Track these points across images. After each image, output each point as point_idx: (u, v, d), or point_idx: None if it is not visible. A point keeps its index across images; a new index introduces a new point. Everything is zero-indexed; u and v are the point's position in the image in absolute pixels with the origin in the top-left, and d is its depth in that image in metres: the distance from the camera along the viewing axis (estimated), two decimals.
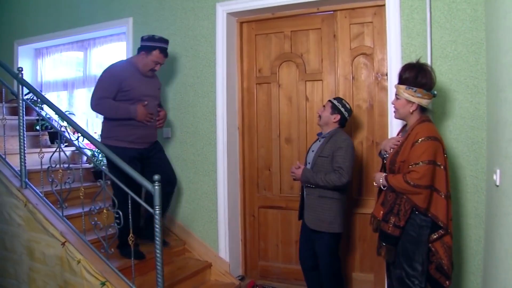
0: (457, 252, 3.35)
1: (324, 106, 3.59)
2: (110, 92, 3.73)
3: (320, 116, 3.57)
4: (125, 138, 3.76)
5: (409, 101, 2.80)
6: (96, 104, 3.75)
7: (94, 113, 5.69)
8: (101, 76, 3.82)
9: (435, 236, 2.64)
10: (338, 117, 3.48)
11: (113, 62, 3.93)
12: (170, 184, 4.05)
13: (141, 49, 3.86)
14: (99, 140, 3.80)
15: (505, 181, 2.32)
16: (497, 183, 2.51)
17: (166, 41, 3.92)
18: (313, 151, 3.55)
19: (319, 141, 3.55)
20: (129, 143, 3.77)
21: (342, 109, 3.49)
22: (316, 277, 3.64)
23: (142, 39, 3.87)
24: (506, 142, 2.29)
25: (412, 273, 2.65)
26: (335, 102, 3.52)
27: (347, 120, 3.56)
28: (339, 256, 3.61)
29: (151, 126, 3.92)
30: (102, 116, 3.94)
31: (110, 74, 3.80)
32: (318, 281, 3.64)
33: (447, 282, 2.68)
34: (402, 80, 2.84)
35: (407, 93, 2.78)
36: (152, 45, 3.82)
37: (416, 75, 2.77)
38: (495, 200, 2.69)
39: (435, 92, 2.83)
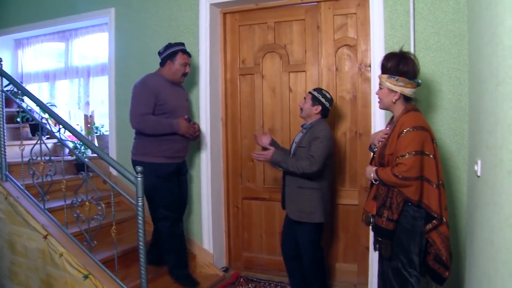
0: None
1: (305, 98, 3.58)
2: (149, 107, 3.65)
3: (301, 109, 3.57)
4: (162, 153, 3.70)
5: (391, 90, 2.76)
6: (139, 122, 3.62)
7: (76, 104, 5.67)
8: (136, 91, 3.71)
9: (430, 226, 2.61)
10: (319, 108, 3.48)
11: (142, 77, 3.81)
12: (183, 208, 4.05)
13: (164, 60, 3.81)
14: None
15: (486, 172, 2.34)
16: (478, 174, 2.53)
17: (182, 43, 3.90)
18: (295, 142, 3.56)
19: (302, 132, 3.55)
20: (167, 158, 3.72)
21: (323, 100, 3.49)
22: (297, 267, 3.64)
23: (160, 53, 3.84)
24: (487, 133, 2.30)
25: (408, 264, 2.62)
26: (315, 93, 3.52)
27: (329, 110, 3.56)
28: (322, 247, 3.62)
29: (184, 140, 3.85)
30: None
31: (146, 88, 3.69)
32: (299, 271, 3.64)
33: (446, 272, 2.65)
34: (384, 70, 2.81)
35: (389, 82, 2.75)
36: (172, 51, 3.78)
37: (397, 63, 2.73)
38: (476, 191, 2.71)
39: (419, 81, 2.78)
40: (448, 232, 2.66)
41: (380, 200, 2.71)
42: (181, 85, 3.99)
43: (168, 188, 3.74)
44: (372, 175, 2.78)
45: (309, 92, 3.56)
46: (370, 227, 2.92)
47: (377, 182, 2.77)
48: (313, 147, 3.32)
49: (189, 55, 3.88)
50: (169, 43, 3.84)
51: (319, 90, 3.55)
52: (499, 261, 1.93)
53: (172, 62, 3.77)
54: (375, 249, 2.86)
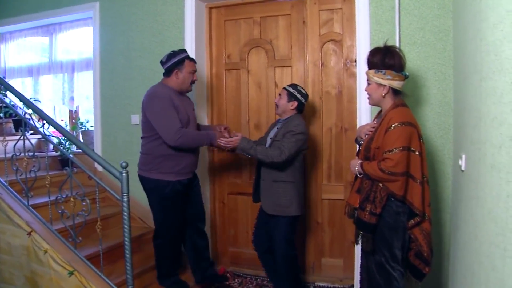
0: None
1: (280, 94, 3.59)
2: (178, 118, 3.43)
3: (277, 105, 3.58)
4: (171, 169, 3.49)
5: (380, 85, 2.76)
6: (178, 138, 3.35)
7: (61, 100, 5.62)
8: (158, 106, 3.43)
9: (412, 223, 2.63)
10: (295, 104, 3.49)
11: (150, 91, 3.55)
12: (201, 221, 3.92)
13: (170, 70, 3.55)
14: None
15: (470, 166, 2.36)
16: (463, 168, 2.55)
17: (185, 50, 3.67)
18: (270, 138, 3.57)
19: (277, 128, 3.56)
20: (175, 175, 3.51)
21: (298, 95, 3.50)
22: (270, 259, 3.67)
23: (163, 62, 3.58)
24: (471, 128, 2.32)
25: (391, 259, 2.64)
26: (291, 89, 3.53)
27: (304, 105, 3.58)
28: (295, 246, 3.61)
29: (196, 153, 3.69)
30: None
31: (165, 100, 3.42)
32: (272, 264, 3.67)
33: (426, 268, 2.67)
34: (371, 65, 2.81)
35: (376, 77, 2.75)
36: (179, 59, 3.54)
37: (383, 57, 2.73)
38: (461, 185, 2.73)
39: (407, 73, 2.78)
40: (430, 229, 2.68)
41: (364, 193, 2.72)
42: (185, 94, 3.74)
43: (174, 209, 3.58)
44: (357, 168, 2.78)
45: (284, 88, 3.57)
46: (353, 220, 2.93)
47: (362, 175, 2.78)
48: (285, 139, 3.35)
49: (195, 62, 3.67)
50: (172, 51, 3.60)
51: (294, 86, 3.57)
52: (482, 254, 1.95)
53: (180, 70, 3.53)
54: (356, 242, 2.88)
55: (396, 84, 2.74)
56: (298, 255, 3.86)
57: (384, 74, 2.73)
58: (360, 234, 2.78)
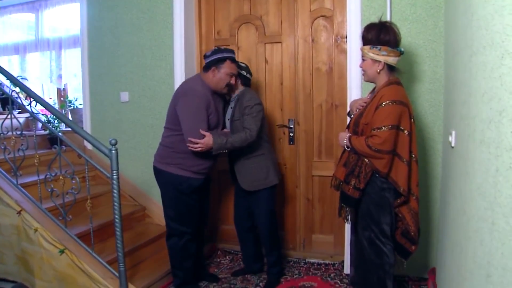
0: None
1: None
2: (206, 122, 3.28)
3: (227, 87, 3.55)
4: (191, 167, 3.34)
5: (375, 61, 2.75)
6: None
7: (49, 78, 5.56)
8: (191, 104, 3.26)
9: (398, 201, 2.65)
10: (238, 79, 3.54)
11: (188, 85, 3.37)
12: (204, 223, 3.82)
13: (209, 65, 3.34)
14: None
15: (460, 142, 2.37)
16: (453, 145, 2.56)
17: (232, 51, 3.43)
18: (228, 119, 3.56)
19: (230, 107, 3.57)
20: (194, 174, 3.36)
21: (240, 71, 3.54)
22: (252, 238, 3.78)
23: (207, 56, 3.37)
24: (461, 104, 2.32)
25: (381, 234, 2.66)
26: None
27: (248, 78, 3.61)
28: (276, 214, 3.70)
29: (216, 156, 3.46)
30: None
31: (202, 102, 3.25)
32: (254, 242, 3.78)
33: (412, 247, 2.70)
34: (365, 41, 2.79)
35: (371, 53, 2.73)
36: (220, 57, 3.32)
37: (378, 33, 2.71)
38: (450, 161, 2.75)
39: (402, 49, 2.76)
40: (418, 208, 2.70)
41: (350, 167, 2.73)
42: (218, 94, 3.52)
43: (190, 206, 3.41)
44: (345, 141, 2.79)
45: None
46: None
47: (349, 149, 2.79)
48: (247, 117, 3.37)
49: (238, 65, 3.47)
50: (217, 47, 3.41)
51: None
52: (470, 229, 1.97)
53: (218, 69, 3.32)
54: (339, 214, 2.90)
55: (391, 60, 2.72)
56: (289, 232, 3.90)
57: (380, 50, 2.71)
58: (342, 207, 2.81)
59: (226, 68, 3.32)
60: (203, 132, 3.19)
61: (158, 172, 3.41)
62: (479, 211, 1.83)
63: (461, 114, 2.30)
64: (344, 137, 2.81)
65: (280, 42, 4.17)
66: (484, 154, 1.77)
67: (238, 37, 4.32)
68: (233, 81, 3.40)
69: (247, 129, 3.31)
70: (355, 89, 3.56)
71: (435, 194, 3.49)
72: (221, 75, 3.33)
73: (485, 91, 1.77)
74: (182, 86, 3.41)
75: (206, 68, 3.36)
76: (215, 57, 3.31)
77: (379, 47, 2.71)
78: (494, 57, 1.67)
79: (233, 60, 3.38)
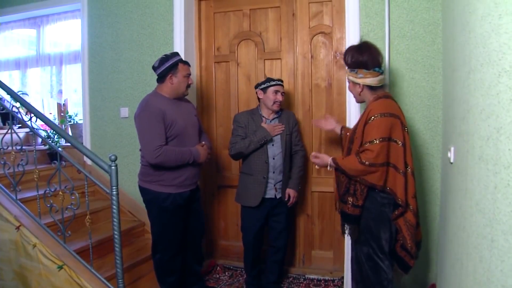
0: None
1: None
2: (163, 135, 3.24)
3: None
4: (171, 182, 3.34)
5: (354, 83, 2.80)
6: (158, 156, 3.18)
7: (49, 93, 5.57)
8: (143, 120, 3.27)
9: (396, 213, 2.63)
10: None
11: (141, 102, 3.38)
12: (200, 235, 3.79)
13: (163, 75, 3.37)
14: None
15: (459, 158, 2.38)
16: (452, 160, 2.57)
17: (177, 53, 3.49)
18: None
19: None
20: (176, 188, 3.36)
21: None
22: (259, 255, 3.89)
23: (156, 67, 3.39)
24: (459, 120, 2.33)
25: (379, 250, 2.65)
26: None
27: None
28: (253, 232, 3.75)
29: (196, 164, 3.48)
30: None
31: (152, 114, 3.24)
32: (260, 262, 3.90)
33: (412, 261, 2.68)
34: (346, 64, 2.85)
35: (351, 76, 2.79)
36: (172, 63, 3.36)
37: (353, 56, 2.75)
38: (449, 177, 2.75)
39: (380, 69, 2.76)
40: (414, 221, 2.67)
41: (343, 187, 2.72)
42: (184, 99, 3.60)
43: (173, 223, 3.40)
44: (329, 162, 2.80)
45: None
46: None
47: (334, 168, 2.79)
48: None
49: (189, 65, 3.50)
50: (164, 55, 3.42)
51: None
52: (470, 245, 1.97)
53: (174, 75, 3.36)
54: (342, 232, 2.91)
55: (369, 81, 2.74)
56: (288, 248, 3.90)
57: (356, 73, 2.76)
58: (345, 225, 2.80)
59: (181, 71, 3.39)
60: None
61: (142, 190, 3.44)
62: (478, 228, 1.83)
63: (460, 130, 2.31)
64: (326, 159, 2.84)
65: (280, 59, 4.20)
66: (483, 170, 1.78)
67: (238, 54, 4.35)
68: (191, 81, 3.49)
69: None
70: (354, 105, 3.57)
71: (435, 210, 3.49)
72: (179, 80, 3.40)
73: (483, 108, 1.79)
74: (138, 105, 3.41)
75: (161, 78, 3.41)
76: (167, 64, 3.36)
77: (355, 70, 2.76)
78: (491, 74, 1.69)
79: (184, 62, 3.46)
